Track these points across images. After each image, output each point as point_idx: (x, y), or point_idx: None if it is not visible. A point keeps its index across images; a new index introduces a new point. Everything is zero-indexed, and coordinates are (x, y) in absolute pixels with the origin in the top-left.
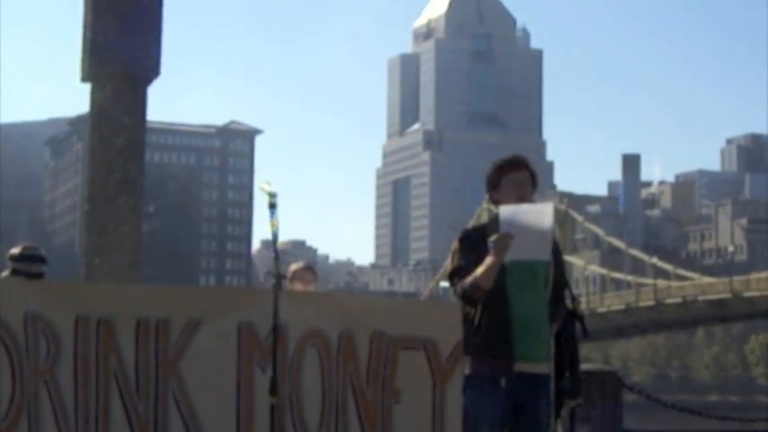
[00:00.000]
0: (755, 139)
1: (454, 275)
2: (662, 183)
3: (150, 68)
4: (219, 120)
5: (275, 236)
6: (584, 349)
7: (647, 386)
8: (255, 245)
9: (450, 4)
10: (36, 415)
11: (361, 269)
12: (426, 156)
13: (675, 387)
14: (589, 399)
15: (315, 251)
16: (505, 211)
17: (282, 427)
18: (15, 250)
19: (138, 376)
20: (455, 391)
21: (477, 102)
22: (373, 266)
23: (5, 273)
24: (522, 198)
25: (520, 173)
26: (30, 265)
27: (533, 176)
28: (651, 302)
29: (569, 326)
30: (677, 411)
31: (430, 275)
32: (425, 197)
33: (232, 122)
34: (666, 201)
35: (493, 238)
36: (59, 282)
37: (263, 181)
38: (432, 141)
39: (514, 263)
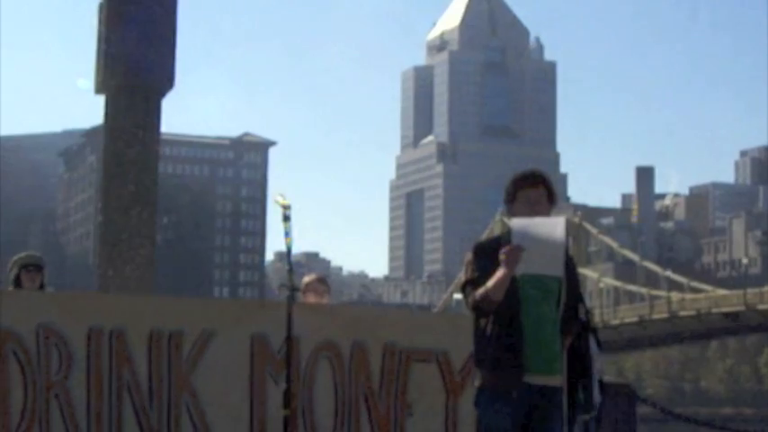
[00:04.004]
0: None
1: (467, 287)
2: (676, 195)
3: (164, 80)
4: (233, 132)
5: (289, 250)
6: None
7: (660, 399)
8: (269, 256)
9: (464, 17)
10: (48, 427)
11: (374, 281)
12: (440, 168)
13: (689, 400)
14: (602, 412)
15: (328, 263)
16: (517, 223)
17: None
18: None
19: (151, 388)
20: (468, 403)
21: (490, 114)
22: (387, 279)
23: (12, 272)
24: (536, 215)
25: (535, 189)
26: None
27: (550, 193)
28: (665, 315)
29: (583, 339)
30: (691, 424)
31: (443, 288)
32: (439, 209)
33: (246, 134)
34: (680, 213)
35: (504, 250)
36: (71, 293)
37: (276, 193)
38: (445, 153)
39: (527, 276)
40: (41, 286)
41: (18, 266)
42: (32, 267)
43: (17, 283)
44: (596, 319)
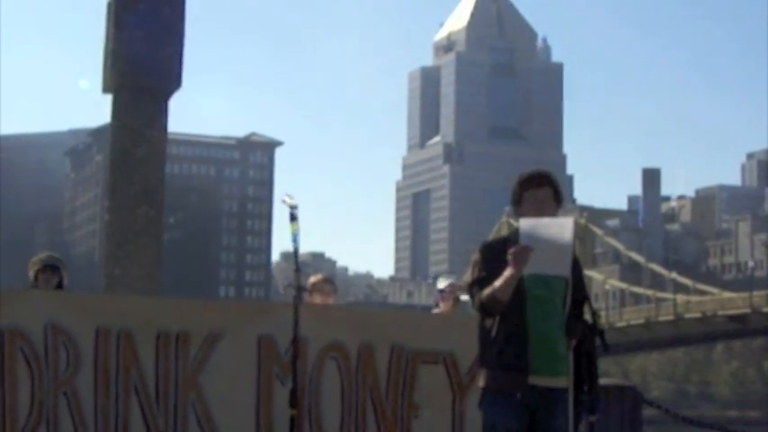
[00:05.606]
0: None
1: (473, 287)
2: (681, 197)
3: (171, 80)
4: (240, 131)
5: (296, 250)
6: (603, 364)
7: (666, 401)
8: (275, 257)
9: (472, 18)
10: (55, 426)
11: (380, 282)
12: (446, 169)
13: (694, 402)
14: (608, 413)
15: (334, 263)
16: (525, 223)
17: None
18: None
19: (158, 388)
20: (475, 404)
21: (497, 115)
22: (392, 279)
23: (31, 273)
24: (542, 215)
25: (541, 190)
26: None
27: (557, 193)
28: (670, 317)
29: (589, 340)
30: (696, 426)
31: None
32: (445, 210)
33: (252, 134)
34: (686, 215)
35: (512, 250)
36: (79, 293)
37: (283, 193)
38: (452, 154)
39: (533, 277)
40: (60, 286)
41: (35, 267)
42: (48, 268)
43: (35, 283)
44: (602, 320)
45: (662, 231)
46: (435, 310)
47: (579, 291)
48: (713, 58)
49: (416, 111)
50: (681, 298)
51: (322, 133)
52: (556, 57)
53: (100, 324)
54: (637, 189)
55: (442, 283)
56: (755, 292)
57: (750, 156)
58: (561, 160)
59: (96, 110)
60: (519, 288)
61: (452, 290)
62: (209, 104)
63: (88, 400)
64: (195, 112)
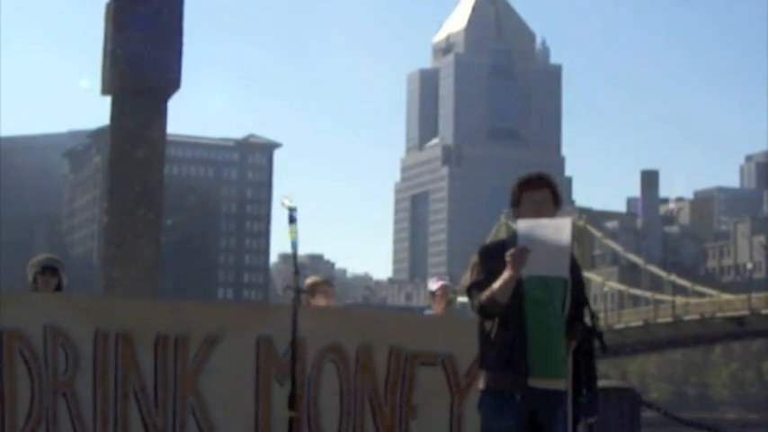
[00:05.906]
0: None
1: (472, 289)
2: (679, 199)
3: (170, 81)
4: (238, 133)
5: (294, 244)
6: (602, 366)
7: (664, 403)
8: (273, 258)
9: (470, 20)
10: (54, 427)
11: (378, 284)
12: (445, 171)
13: (693, 404)
14: (607, 415)
15: (332, 265)
16: (524, 225)
17: None
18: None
19: (156, 391)
20: (473, 407)
21: (495, 117)
22: (391, 281)
23: (30, 274)
24: (541, 217)
25: (540, 192)
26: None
27: (556, 195)
28: (669, 319)
29: (588, 342)
30: (695, 428)
31: None
32: (444, 212)
33: (251, 136)
34: (685, 217)
35: (510, 251)
36: (78, 295)
37: (282, 195)
38: (450, 156)
39: (532, 279)
40: (59, 288)
41: (34, 269)
42: (47, 270)
43: (34, 285)
44: (600, 322)
45: (660, 233)
46: (428, 312)
47: (579, 292)
48: (712, 60)
49: (415, 112)
50: (679, 300)
51: (321, 135)
52: (554, 58)
53: (99, 326)
54: (635, 191)
55: (433, 285)
56: (754, 294)
57: (749, 158)
58: (560, 162)
59: (95, 111)
60: (518, 290)
61: (444, 291)
62: (208, 106)
63: (87, 401)
64: (194, 114)
